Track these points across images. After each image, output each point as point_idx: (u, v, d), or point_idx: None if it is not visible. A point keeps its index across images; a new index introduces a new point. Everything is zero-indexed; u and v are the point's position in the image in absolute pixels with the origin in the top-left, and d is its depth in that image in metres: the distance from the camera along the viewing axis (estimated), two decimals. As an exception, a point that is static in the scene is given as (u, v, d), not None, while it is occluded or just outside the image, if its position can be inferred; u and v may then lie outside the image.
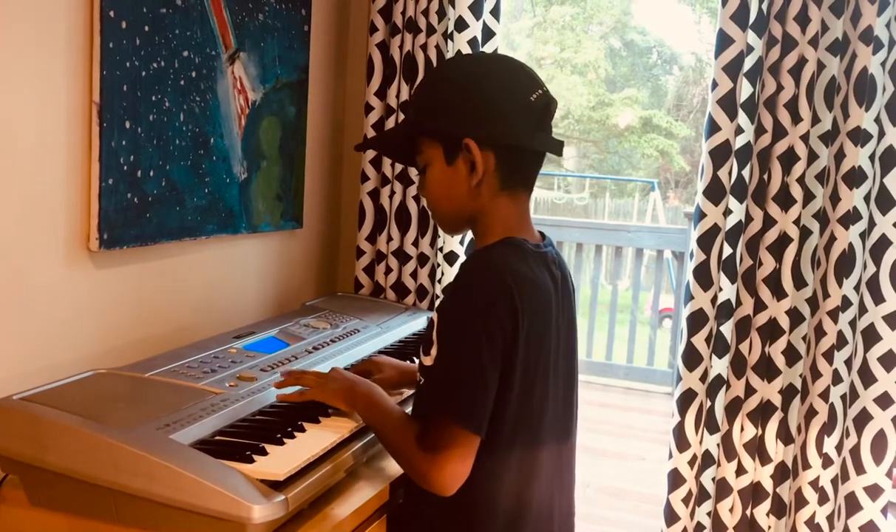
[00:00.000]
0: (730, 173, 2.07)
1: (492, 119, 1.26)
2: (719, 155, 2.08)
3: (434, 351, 1.27)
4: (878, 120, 1.99)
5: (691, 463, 2.17)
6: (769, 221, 2.07)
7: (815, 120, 2.03)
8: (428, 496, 1.27)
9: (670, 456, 2.20)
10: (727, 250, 2.09)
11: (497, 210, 1.32)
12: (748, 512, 2.15)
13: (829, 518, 2.09)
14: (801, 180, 2.04)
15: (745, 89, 2.03)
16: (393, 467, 1.48)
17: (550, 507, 1.38)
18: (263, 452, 1.27)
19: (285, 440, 1.32)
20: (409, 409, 1.42)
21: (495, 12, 2.30)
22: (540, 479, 1.35)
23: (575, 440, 1.44)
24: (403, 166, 2.34)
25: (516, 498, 1.32)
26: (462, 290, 1.27)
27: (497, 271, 1.26)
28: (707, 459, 2.15)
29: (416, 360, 1.42)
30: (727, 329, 2.11)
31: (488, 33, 2.30)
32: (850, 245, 2.00)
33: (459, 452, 1.23)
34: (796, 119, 2.03)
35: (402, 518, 1.41)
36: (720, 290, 2.10)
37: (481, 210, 1.32)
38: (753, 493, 2.15)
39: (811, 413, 2.07)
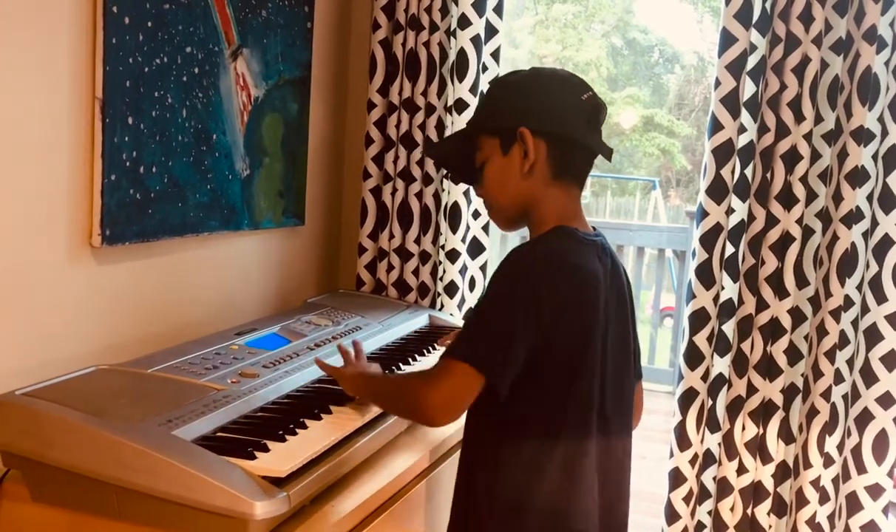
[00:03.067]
0: (732, 172, 2.07)
1: (544, 111, 1.36)
2: (722, 154, 2.07)
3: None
4: (881, 119, 1.99)
5: (692, 462, 2.17)
6: (772, 220, 2.07)
7: (818, 119, 2.03)
8: (476, 495, 1.32)
9: (671, 455, 2.20)
10: (729, 249, 2.08)
11: (549, 199, 1.38)
12: (749, 511, 2.15)
13: (830, 517, 2.09)
14: (803, 179, 2.04)
15: (748, 88, 2.03)
16: (394, 464, 1.48)
17: (593, 500, 1.37)
18: (265, 449, 1.27)
19: (287, 437, 1.32)
20: None
21: (498, 10, 2.30)
22: (588, 471, 1.35)
23: (630, 438, 1.45)
24: (406, 164, 2.34)
25: (560, 492, 1.32)
26: (510, 264, 1.32)
27: (546, 256, 1.32)
28: (708, 458, 2.15)
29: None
30: (729, 328, 2.11)
31: (491, 31, 2.30)
32: (853, 244, 2.00)
33: (456, 382, 1.25)
34: (799, 118, 2.03)
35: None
36: (722, 288, 2.10)
37: (535, 199, 1.38)
38: (754, 493, 2.15)
39: (812, 412, 2.07)
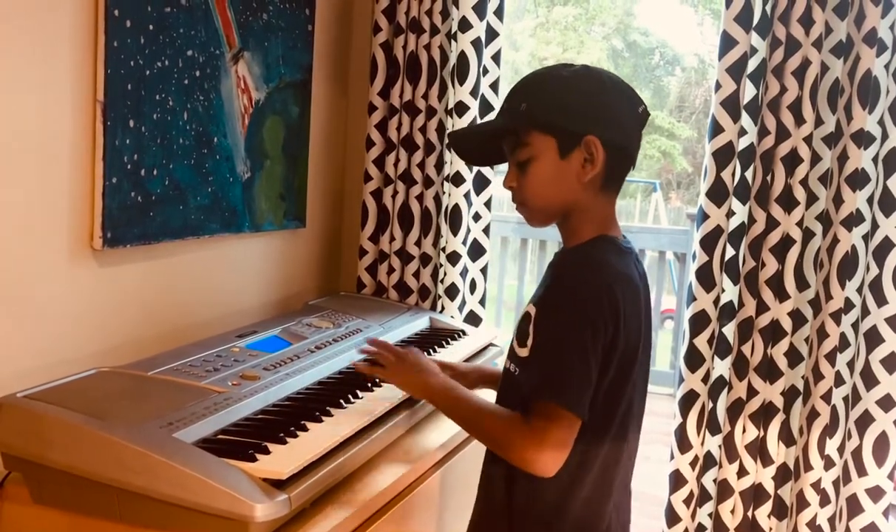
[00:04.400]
0: (733, 175, 2.07)
1: (612, 121, 1.33)
2: (722, 156, 2.07)
3: (531, 342, 1.30)
4: (881, 122, 1.99)
5: (693, 464, 2.17)
6: (772, 223, 2.07)
7: (819, 122, 2.03)
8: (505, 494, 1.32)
9: (672, 457, 2.20)
10: (730, 252, 2.09)
11: (595, 207, 1.36)
12: (749, 513, 2.15)
13: (831, 520, 2.08)
14: (804, 182, 2.04)
15: (748, 91, 2.03)
16: (395, 467, 1.48)
17: (615, 504, 1.38)
18: (266, 451, 1.27)
19: (288, 439, 1.32)
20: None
21: (499, 13, 2.31)
22: (619, 477, 1.37)
23: (639, 438, 1.45)
24: (407, 166, 2.34)
25: (592, 494, 1.33)
26: (566, 284, 1.31)
27: (599, 266, 1.31)
28: (708, 460, 2.15)
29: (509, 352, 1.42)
30: (729, 330, 2.11)
31: (492, 33, 2.31)
32: (853, 247, 2.00)
33: (563, 434, 1.24)
34: (799, 121, 2.03)
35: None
36: (723, 291, 2.10)
37: (580, 205, 1.36)
38: (755, 495, 2.15)
39: (813, 415, 2.07)
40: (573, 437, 1.25)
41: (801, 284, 2.08)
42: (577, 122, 1.32)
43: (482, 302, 2.42)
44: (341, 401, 1.52)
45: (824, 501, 2.08)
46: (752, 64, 2.02)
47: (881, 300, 2.00)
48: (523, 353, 1.32)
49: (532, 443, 1.25)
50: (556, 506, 1.32)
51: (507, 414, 1.32)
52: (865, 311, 2.02)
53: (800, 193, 2.04)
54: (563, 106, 1.33)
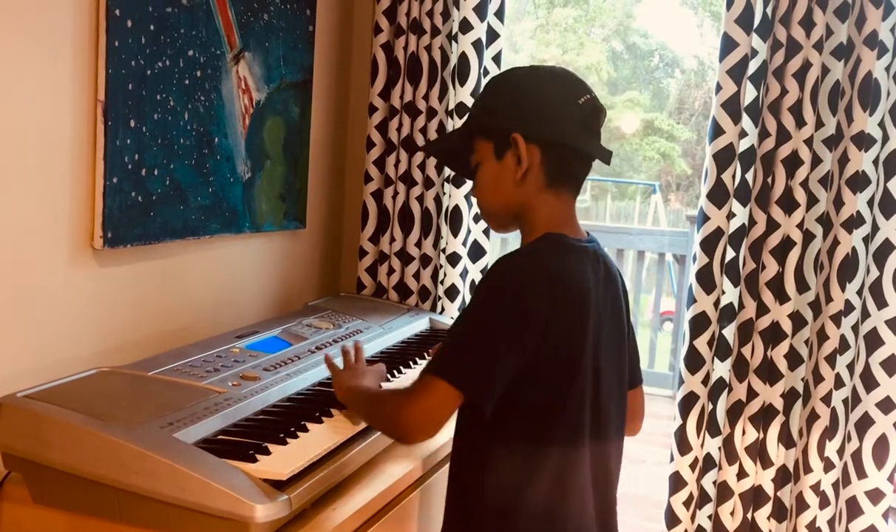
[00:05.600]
0: (733, 177, 2.07)
1: (538, 116, 1.32)
2: (723, 158, 2.08)
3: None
4: (881, 124, 1.99)
5: (693, 466, 2.17)
6: (772, 225, 2.07)
7: (819, 124, 2.03)
8: (467, 506, 1.31)
9: (671, 459, 2.20)
10: (730, 253, 2.09)
11: (542, 207, 1.35)
12: (749, 515, 2.15)
13: (830, 522, 2.08)
14: (804, 184, 2.04)
15: (749, 93, 2.03)
16: (397, 468, 1.48)
17: (587, 511, 1.35)
18: (266, 452, 1.27)
19: (288, 440, 1.32)
20: None
21: (500, 14, 2.31)
22: (580, 481, 1.33)
23: (622, 444, 1.43)
24: (407, 167, 2.34)
25: (551, 500, 1.30)
26: (492, 276, 1.30)
27: (529, 262, 1.30)
28: (708, 462, 2.15)
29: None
30: (729, 332, 2.11)
31: (493, 35, 2.31)
32: (854, 249, 2.00)
33: (433, 399, 1.23)
34: (800, 123, 2.03)
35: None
36: (723, 293, 2.10)
37: (527, 206, 1.35)
38: (755, 497, 2.15)
39: (813, 417, 2.07)
40: (447, 408, 1.23)
41: (802, 286, 2.08)
42: (502, 121, 1.33)
43: (482, 303, 2.42)
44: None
45: (824, 503, 2.08)
46: (753, 66, 2.02)
47: (881, 302, 2.00)
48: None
49: (400, 407, 1.26)
50: (507, 505, 1.29)
51: (392, 391, 1.34)
52: (865, 314, 2.02)
53: (800, 195, 2.04)
54: (492, 107, 1.36)
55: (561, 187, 1.35)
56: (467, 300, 2.40)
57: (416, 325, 2.18)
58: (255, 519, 1.13)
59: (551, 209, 1.35)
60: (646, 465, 4.21)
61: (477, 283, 1.34)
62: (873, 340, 2.00)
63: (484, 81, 2.30)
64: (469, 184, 2.32)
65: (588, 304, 1.30)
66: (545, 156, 1.32)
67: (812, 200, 2.06)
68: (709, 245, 2.11)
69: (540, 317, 1.24)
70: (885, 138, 1.99)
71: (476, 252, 2.39)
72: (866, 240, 2.02)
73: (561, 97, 1.32)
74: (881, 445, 2.01)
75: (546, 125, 1.31)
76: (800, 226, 2.05)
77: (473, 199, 2.35)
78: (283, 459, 1.25)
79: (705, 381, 2.14)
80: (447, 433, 1.64)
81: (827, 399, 2.04)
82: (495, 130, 1.34)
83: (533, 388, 1.26)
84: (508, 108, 1.34)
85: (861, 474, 2.03)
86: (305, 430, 1.38)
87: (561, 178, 1.35)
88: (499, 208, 1.39)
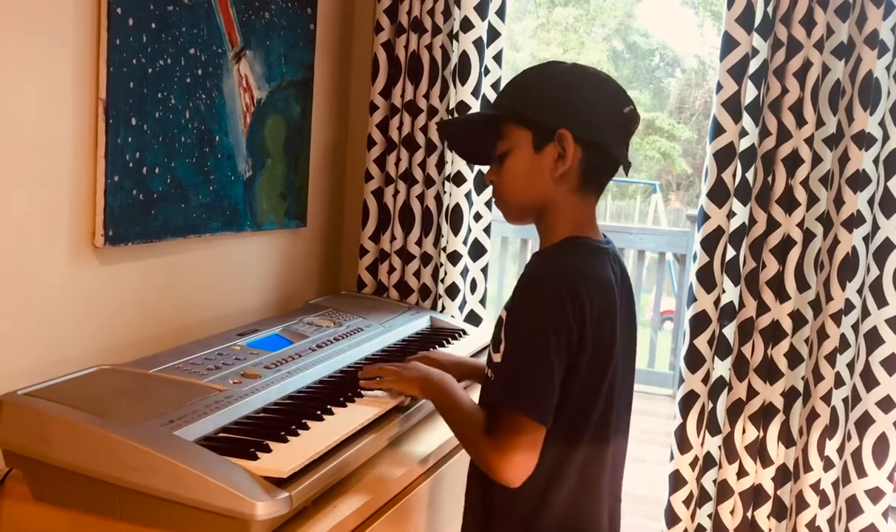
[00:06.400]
0: (734, 176, 2.07)
1: (589, 118, 1.32)
2: (723, 157, 2.08)
3: (503, 348, 1.30)
4: (882, 123, 1.99)
5: (693, 465, 2.18)
6: (773, 224, 2.07)
7: (820, 123, 2.04)
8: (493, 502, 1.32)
9: (671, 457, 2.20)
10: (730, 252, 2.09)
11: (569, 207, 1.35)
12: (749, 514, 2.15)
13: (830, 521, 2.09)
14: (804, 183, 2.05)
15: (749, 92, 2.03)
16: (397, 465, 1.48)
17: (602, 504, 1.38)
18: (267, 449, 1.27)
19: (289, 437, 1.32)
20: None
21: (501, 13, 2.31)
22: (600, 475, 1.36)
23: (628, 438, 1.45)
24: (408, 166, 2.34)
25: (575, 496, 1.33)
26: (530, 287, 1.30)
27: (564, 268, 1.30)
28: (708, 461, 2.16)
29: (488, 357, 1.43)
30: (730, 331, 2.12)
31: (494, 34, 2.31)
32: (854, 248, 2.00)
33: (526, 442, 1.25)
34: (801, 122, 2.03)
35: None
36: (723, 292, 2.10)
37: (554, 204, 1.35)
38: (754, 496, 2.15)
39: (813, 416, 2.07)
40: (537, 444, 1.26)
41: (802, 285, 2.08)
42: (550, 116, 1.32)
43: (483, 302, 2.43)
44: (342, 399, 1.52)
45: (824, 502, 2.08)
46: (754, 65, 2.02)
47: (881, 301, 2.00)
48: (497, 358, 1.32)
49: (496, 453, 1.26)
50: (534, 510, 1.31)
51: (480, 423, 1.33)
52: (866, 313, 2.02)
53: (801, 194, 2.04)
54: (540, 100, 1.34)
55: (590, 190, 1.36)
56: (468, 299, 2.40)
57: (417, 323, 2.18)
58: (255, 516, 1.13)
59: (577, 211, 1.36)
60: (646, 463, 4.22)
61: (516, 290, 1.34)
62: (873, 339, 2.01)
63: (485, 80, 2.30)
64: (469, 182, 2.32)
65: (616, 306, 1.33)
66: (585, 157, 1.32)
67: (812, 199, 2.06)
68: (709, 244, 2.11)
69: (580, 320, 1.26)
70: (886, 137, 1.99)
71: (476, 250, 2.39)
72: (866, 239, 2.03)
73: (609, 103, 1.33)
74: (881, 444, 2.01)
75: (594, 128, 1.32)
76: (800, 225, 2.05)
77: (481, 193, 2.35)
78: (283, 457, 1.25)
79: (705, 380, 2.15)
80: (447, 432, 1.64)
81: (827, 398, 2.05)
82: (541, 121, 1.32)
83: (571, 390, 1.28)
84: (560, 103, 1.32)
85: (861, 473, 2.03)
86: (306, 427, 1.38)
87: (592, 182, 1.36)
88: (525, 200, 1.38)
